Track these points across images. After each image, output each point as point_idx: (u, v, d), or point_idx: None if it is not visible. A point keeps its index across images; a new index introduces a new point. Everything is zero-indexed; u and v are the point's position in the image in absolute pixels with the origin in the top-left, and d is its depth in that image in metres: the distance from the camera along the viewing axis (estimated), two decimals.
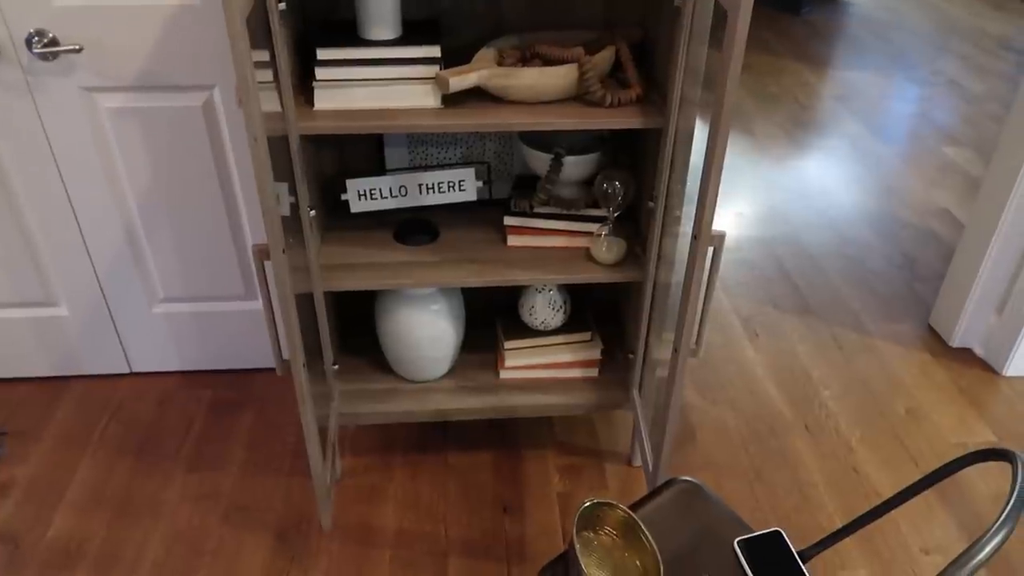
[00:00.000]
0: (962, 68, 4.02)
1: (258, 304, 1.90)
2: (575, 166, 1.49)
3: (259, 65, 1.22)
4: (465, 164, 1.64)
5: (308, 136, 1.47)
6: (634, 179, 1.51)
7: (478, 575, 1.52)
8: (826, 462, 1.78)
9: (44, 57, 1.51)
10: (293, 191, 1.37)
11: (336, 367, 1.64)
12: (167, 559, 1.55)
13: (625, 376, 1.71)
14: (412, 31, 1.38)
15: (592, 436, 1.83)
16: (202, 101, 1.61)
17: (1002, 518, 0.65)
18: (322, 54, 1.32)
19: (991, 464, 1.78)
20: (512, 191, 1.62)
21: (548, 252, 1.55)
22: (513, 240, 1.57)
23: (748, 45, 4.22)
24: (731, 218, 2.69)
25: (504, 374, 1.70)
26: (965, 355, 2.10)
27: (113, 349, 1.94)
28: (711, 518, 1.14)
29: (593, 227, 1.54)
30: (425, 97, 1.35)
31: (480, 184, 1.60)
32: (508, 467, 1.75)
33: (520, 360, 1.69)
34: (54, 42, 1.50)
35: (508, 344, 1.67)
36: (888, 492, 1.71)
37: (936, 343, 2.14)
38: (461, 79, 1.31)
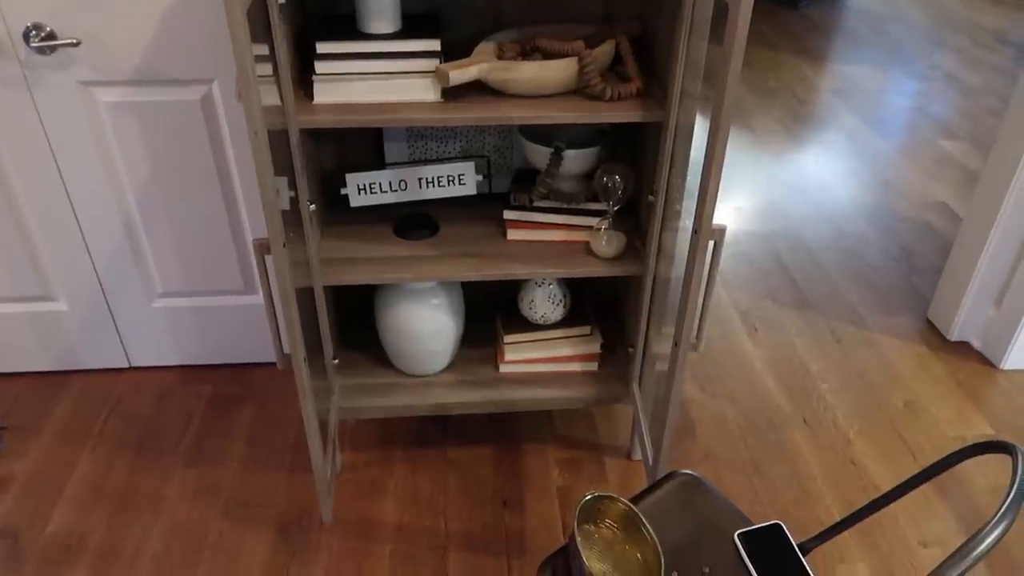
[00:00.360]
0: (959, 62, 4.02)
1: (257, 298, 1.90)
2: (575, 160, 1.49)
3: (259, 59, 1.22)
4: (465, 158, 1.63)
5: (308, 130, 1.47)
6: (634, 173, 1.51)
7: (478, 569, 1.53)
8: (824, 455, 1.78)
9: (42, 51, 1.51)
10: (293, 185, 1.37)
11: (336, 361, 1.64)
12: (167, 554, 1.55)
13: (625, 370, 1.71)
14: (412, 25, 1.38)
15: (592, 430, 1.83)
16: (201, 95, 1.60)
17: (1002, 510, 0.66)
18: (322, 48, 1.32)
19: (989, 457, 1.79)
20: (512, 185, 1.62)
21: (548, 246, 1.55)
22: (513, 234, 1.57)
23: (747, 39, 4.22)
24: (730, 212, 2.69)
25: (504, 368, 1.71)
26: (963, 348, 2.10)
27: (112, 344, 1.94)
28: (711, 511, 1.15)
29: (593, 221, 1.54)
30: (425, 91, 1.35)
31: (480, 178, 1.59)
32: (508, 461, 1.75)
33: (520, 354, 1.69)
34: (52, 36, 1.50)
35: (508, 338, 1.68)
36: (886, 485, 1.71)
37: (934, 336, 2.15)
38: (461, 72, 1.30)
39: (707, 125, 3.07)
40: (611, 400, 1.67)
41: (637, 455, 1.75)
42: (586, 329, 1.70)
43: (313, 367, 1.45)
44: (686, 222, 2.38)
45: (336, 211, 1.64)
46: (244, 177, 1.72)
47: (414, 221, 1.60)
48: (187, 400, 1.91)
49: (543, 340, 1.69)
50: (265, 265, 1.22)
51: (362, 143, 1.64)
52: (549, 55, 1.39)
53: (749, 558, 1.06)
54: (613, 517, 1.09)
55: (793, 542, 1.08)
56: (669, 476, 1.20)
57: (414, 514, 1.63)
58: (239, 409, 1.88)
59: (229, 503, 1.65)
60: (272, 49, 1.23)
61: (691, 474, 1.20)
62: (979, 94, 3.65)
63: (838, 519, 1.62)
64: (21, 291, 1.83)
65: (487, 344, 1.77)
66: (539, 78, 1.34)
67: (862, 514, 1.03)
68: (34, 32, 1.49)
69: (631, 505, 1.08)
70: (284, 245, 1.11)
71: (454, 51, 1.40)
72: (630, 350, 1.66)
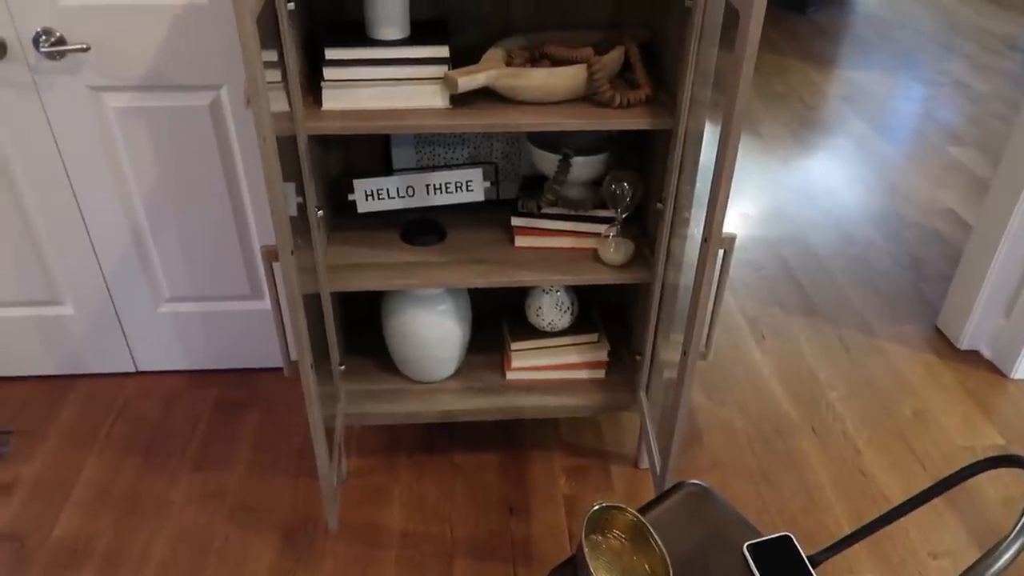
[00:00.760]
0: (968, 68, 4.01)
1: (264, 304, 1.89)
2: (583, 167, 1.49)
3: (267, 65, 1.22)
4: (472, 164, 1.63)
5: (315, 136, 1.47)
6: (642, 180, 1.50)
7: None
8: (833, 464, 1.77)
9: (51, 56, 1.51)
10: (301, 191, 1.37)
11: (343, 368, 1.64)
12: (173, 559, 1.55)
13: (632, 378, 1.70)
14: (420, 31, 1.38)
15: (598, 437, 1.83)
16: (209, 101, 1.60)
17: (1019, 527, 0.65)
18: (330, 54, 1.32)
19: (1001, 469, 1.77)
20: (519, 191, 1.62)
21: (555, 253, 1.55)
22: (520, 241, 1.56)
23: None
24: (737, 218, 2.68)
25: (511, 375, 1.70)
26: (973, 357, 2.09)
27: (119, 348, 1.94)
28: (720, 522, 1.14)
29: (601, 228, 1.53)
30: (433, 97, 1.35)
31: (487, 184, 1.59)
32: (514, 468, 1.75)
33: (527, 361, 1.68)
34: (61, 41, 1.50)
35: (515, 345, 1.67)
36: (896, 495, 1.70)
37: (943, 345, 2.13)
38: (470, 79, 1.30)
39: (715, 131, 3.06)
40: (618, 408, 1.66)
41: (644, 463, 1.74)
42: (593, 336, 1.70)
43: (319, 373, 1.44)
44: (695, 229, 2.37)
45: (343, 216, 1.63)
46: (252, 183, 1.72)
47: (421, 227, 1.59)
48: (194, 405, 1.90)
49: (550, 347, 1.69)
50: (273, 272, 1.22)
51: (369, 149, 1.64)
52: (558, 62, 1.39)
53: (758, 570, 1.05)
54: (621, 528, 1.08)
55: (803, 554, 1.07)
56: (677, 486, 1.19)
57: (420, 521, 1.63)
58: (245, 414, 1.88)
59: (235, 508, 1.65)
60: (281, 55, 1.23)
61: (699, 484, 1.19)
62: (988, 100, 3.63)
63: (847, 529, 1.61)
64: (28, 295, 1.84)
65: (494, 351, 1.77)
66: (548, 85, 1.34)
67: (873, 527, 1.02)
68: (44, 37, 1.49)
69: (639, 516, 1.07)
70: (292, 252, 1.11)
71: (462, 57, 1.40)
72: (637, 358, 1.65)
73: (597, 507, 1.05)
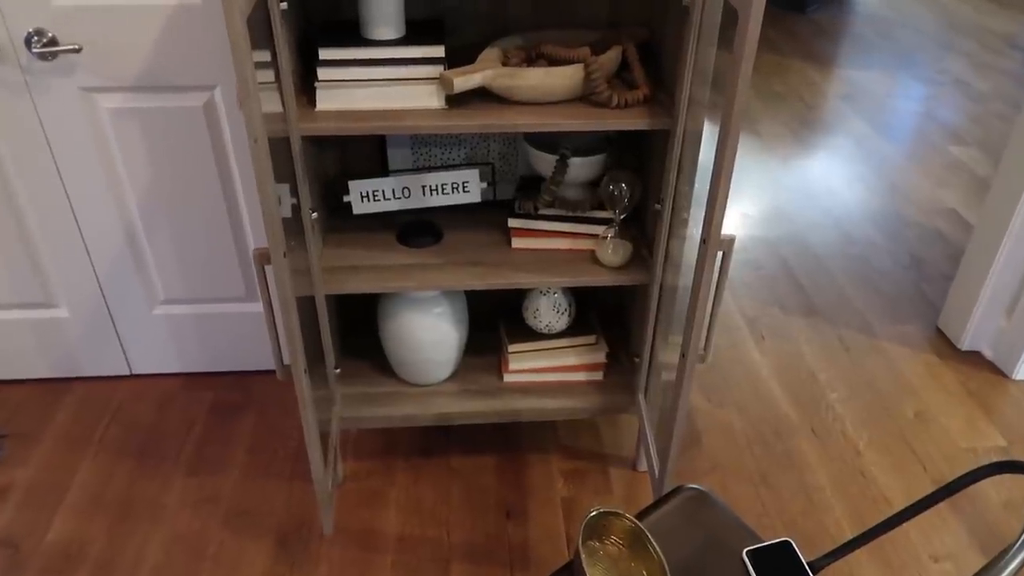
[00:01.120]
0: (968, 67, 3.99)
1: (259, 306, 1.88)
2: (581, 167, 1.47)
3: (260, 65, 1.20)
4: (469, 165, 1.62)
5: (310, 137, 1.46)
6: (641, 181, 1.48)
7: None
8: (833, 466, 1.76)
9: (43, 57, 1.50)
10: (295, 192, 1.35)
11: (338, 371, 1.62)
12: (167, 564, 1.53)
13: (631, 380, 1.69)
14: (416, 31, 1.36)
15: (596, 440, 1.81)
16: (203, 101, 1.59)
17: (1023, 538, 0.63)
18: (324, 54, 1.30)
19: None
20: (516, 192, 1.60)
21: (553, 254, 1.53)
22: (517, 242, 1.55)
23: None
24: (737, 218, 2.67)
25: (508, 377, 1.68)
26: (974, 358, 2.07)
27: (113, 351, 1.93)
28: (719, 527, 1.12)
29: (599, 229, 1.52)
30: (429, 98, 1.33)
31: (484, 185, 1.58)
32: (512, 471, 1.73)
33: (524, 363, 1.67)
34: (53, 42, 1.48)
35: (512, 347, 1.65)
36: (897, 497, 1.69)
37: (944, 345, 2.12)
38: (465, 79, 1.29)
39: (714, 131, 3.05)
40: (616, 410, 1.65)
41: (642, 466, 1.73)
42: (591, 338, 1.68)
43: (314, 377, 1.43)
44: (693, 230, 2.36)
45: (339, 218, 1.62)
46: (246, 184, 1.70)
47: (418, 228, 1.58)
48: (188, 408, 1.89)
49: (548, 349, 1.67)
50: (265, 275, 1.21)
51: (365, 149, 1.63)
52: (555, 62, 1.38)
53: None
54: (619, 533, 1.07)
55: (803, 560, 1.05)
56: (675, 491, 1.17)
57: (416, 524, 1.61)
58: (240, 417, 1.86)
59: (229, 513, 1.63)
60: (274, 55, 1.22)
61: (698, 488, 1.17)
62: (988, 99, 3.62)
63: (848, 531, 1.59)
64: (22, 298, 1.82)
65: (491, 353, 1.75)
66: (545, 85, 1.32)
67: (875, 533, 1.00)
68: (36, 38, 1.47)
69: (637, 522, 1.05)
70: (284, 255, 1.09)
71: (459, 57, 1.38)
72: (636, 360, 1.64)
73: (595, 513, 1.03)
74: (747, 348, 2.11)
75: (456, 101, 1.35)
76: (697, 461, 1.77)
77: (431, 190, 1.56)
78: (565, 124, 1.31)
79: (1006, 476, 1.74)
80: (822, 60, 4.05)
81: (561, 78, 1.32)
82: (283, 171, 1.30)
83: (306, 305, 1.42)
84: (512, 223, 1.54)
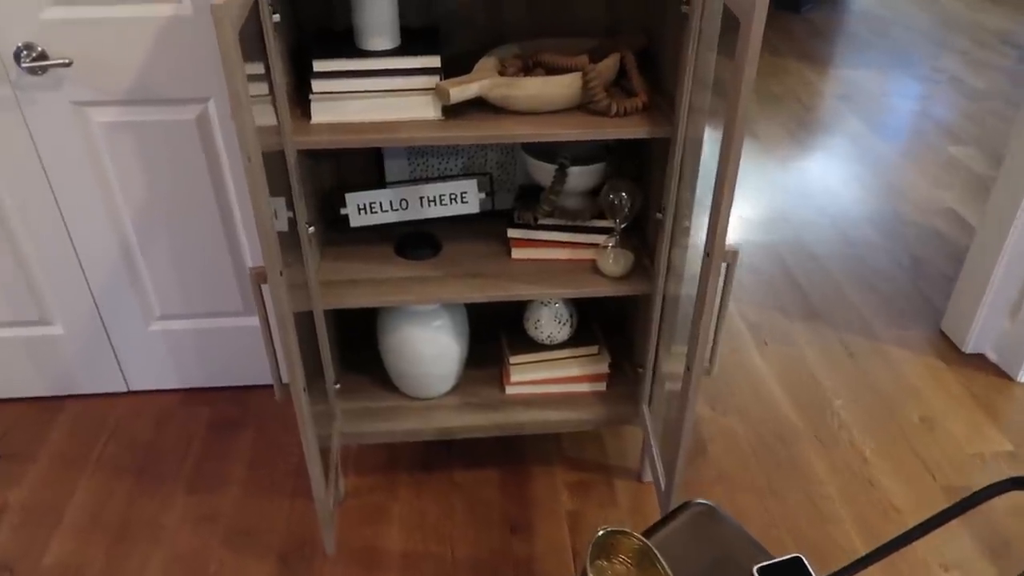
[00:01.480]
0: (963, 64, 3.98)
1: (257, 319, 1.86)
2: (580, 177, 1.45)
3: (253, 78, 1.18)
4: (467, 175, 1.59)
5: (305, 150, 1.43)
6: (641, 189, 1.46)
7: None
8: (840, 474, 1.74)
9: (33, 71, 1.47)
10: (291, 206, 1.33)
11: (338, 386, 1.60)
12: None
13: (634, 390, 1.67)
14: (411, 40, 1.34)
15: (601, 451, 1.79)
16: (196, 114, 1.57)
17: None
18: (319, 66, 1.28)
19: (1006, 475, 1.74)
20: (515, 202, 1.58)
21: (553, 265, 1.51)
22: (517, 253, 1.53)
23: None
24: (735, 221, 2.65)
25: (510, 389, 1.66)
26: (978, 361, 2.06)
27: (110, 368, 1.90)
28: (728, 543, 1.10)
29: (599, 238, 1.50)
30: (425, 108, 1.31)
31: (482, 196, 1.56)
32: (515, 484, 1.71)
33: (526, 375, 1.65)
34: (43, 56, 1.46)
35: (513, 359, 1.63)
36: (905, 504, 1.67)
37: (948, 348, 2.10)
38: (462, 90, 1.27)
39: (714, 135, 3.02)
40: (620, 422, 1.63)
41: (648, 477, 1.71)
42: (594, 348, 1.66)
43: (313, 393, 1.41)
44: (696, 238, 2.34)
45: (336, 230, 1.60)
46: (242, 197, 1.68)
47: (416, 240, 1.56)
48: (187, 424, 1.86)
49: (550, 360, 1.65)
50: (261, 293, 1.18)
51: (362, 160, 1.61)
52: (552, 70, 1.36)
53: None
54: (627, 552, 1.05)
55: None
56: (683, 507, 1.15)
57: (420, 540, 1.59)
58: (240, 433, 1.84)
59: (229, 531, 1.61)
60: (267, 68, 1.20)
61: (706, 504, 1.15)
62: (984, 97, 3.61)
63: (857, 542, 1.57)
64: (16, 315, 1.80)
65: (492, 365, 1.73)
66: (542, 94, 1.30)
67: (888, 549, 0.98)
68: (25, 52, 1.45)
69: (645, 540, 1.03)
70: (281, 273, 1.07)
71: (455, 66, 1.36)
72: (639, 370, 1.62)
73: (602, 532, 1.01)
74: (749, 354, 2.09)
75: (453, 111, 1.32)
76: (702, 471, 1.74)
77: (429, 201, 1.54)
78: (564, 134, 1.29)
79: None
80: (818, 60, 4.04)
81: (559, 87, 1.30)
82: (278, 185, 1.28)
83: (304, 320, 1.40)
84: (511, 233, 1.52)
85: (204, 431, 1.84)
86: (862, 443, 1.82)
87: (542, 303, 1.61)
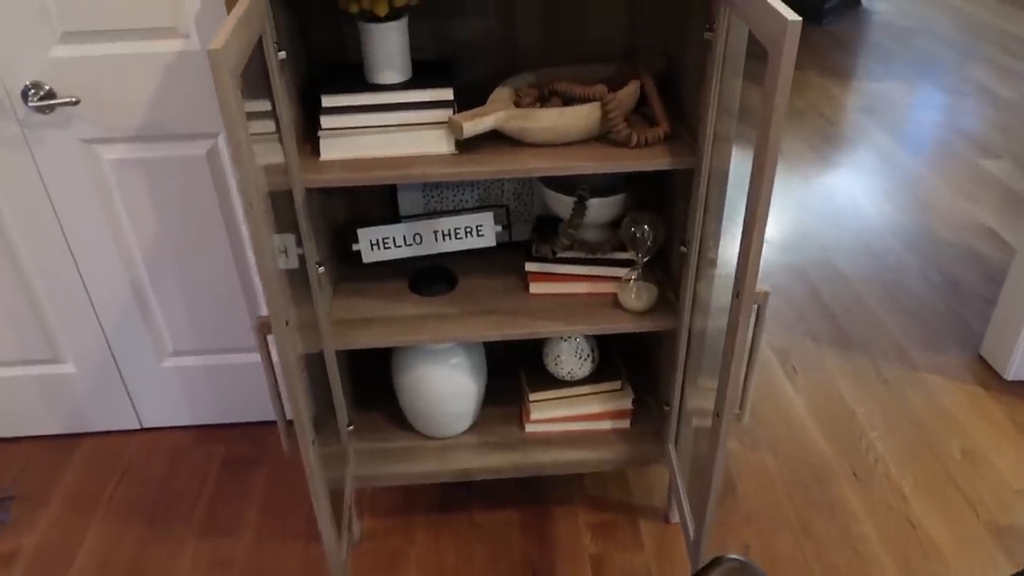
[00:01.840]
0: (991, 73, 3.88)
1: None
2: (600, 208, 1.40)
3: (259, 116, 1.14)
4: (483, 208, 1.54)
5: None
6: (664, 220, 1.40)
7: None
8: (878, 512, 1.65)
9: (41, 110, 1.45)
10: (300, 243, 1.28)
11: (351, 427, 1.55)
12: None
13: (659, 427, 1.60)
14: (423, 72, 1.30)
15: (625, 489, 1.72)
16: (206, 149, 1.53)
17: None
18: (327, 101, 1.24)
19: None
20: (532, 233, 1.52)
21: (573, 299, 1.45)
22: (535, 287, 1.47)
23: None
24: None
25: (530, 427, 1.60)
26: (1021, 389, 1.96)
27: (123, 405, 1.87)
28: None
29: (621, 271, 1.44)
30: (438, 143, 1.27)
31: (499, 229, 1.50)
32: (536, 526, 1.64)
33: (546, 412, 1.59)
34: (51, 95, 1.44)
35: (533, 396, 1.57)
36: (948, 545, 1.58)
37: (988, 375, 2.01)
38: (476, 123, 1.22)
39: (738, 155, 2.96)
40: (645, 461, 1.56)
41: (675, 518, 1.63)
42: (616, 384, 1.60)
43: (325, 434, 1.36)
44: (722, 266, 2.27)
45: (349, 266, 1.55)
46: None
47: (431, 275, 1.51)
48: (200, 463, 1.82)
49: (571, 397, 1.59)
50: (267, 344, 1.14)
51: (375, 194, 1.56)
52: (569, 100, 1.31)
53: None
54: None
55: None
56: (714, 562, 1.08)
57: None
58: (254, 471, 1.79)
59: None
60: (273, 106, 1.16)
61: (739, 560, 1.08)
62: (1014, 108, 3.50)
63: None
64: (28, 354, 1.77)
65: (511, 402, 1.67)
66: (559, 126, 1.25)
67: None
68: (32, 91, 1.43)
69: None
70: (287, 323, 1.02)
71: (469, 96, 1.31)
72: (665, 408, 1.55)
73: None
74: (779, 383, 2.01)
75: (467, 145, 1.28)
76: (732, 511, 1.67)
77: (444, 235, 1.49)
78: (582, 166, 1.24)
79: None
80: (841, 72, 3.96)
81: (577, 118, 1.25)
82: (287, 222, 1.24)
83: (315, 360, 1.35)
84: (529, 267, 1.47)
85: (218, 469, 1.80)
86: (900, 478, 1.73)
87: (562, 338, 1.55)
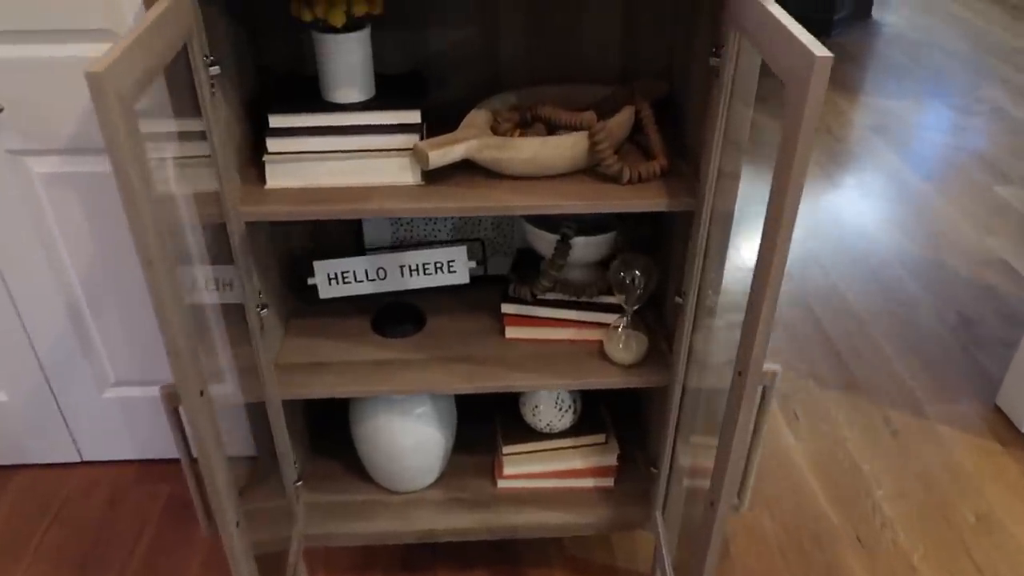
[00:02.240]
0: (1004, 93, 3.72)
1: (221, 387, 1.65)
2: (586, 248, 1.24)
3: (191, 136, 0.98)
4: (456, 241, 1.38)
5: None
6: (658, 263, 1.24)
7: None
8: None
9: None
10: (240, 281, 1.12)
11: (299, 484, 1.38)
12: None
13: (646, 488, 1.44)
14: (389, 90, 1.13)
15: (607, 551, 1.56)
16: None
17: None
18: (275, 121, 1.08)
19: None
20: (511, 270, 1.36)
21: (554, 347, 1.30)
22: (512, 332, 1.31)
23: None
24: None
25: (503, 483, 1.44)
26: None
27: (61, 437, 1.70)
28: None
29: (608, 317, 1.28)
30: (402, 172, 1.10)
31: (473, 264, 1.34)
32: None
33: (521, 467, 1.43)
34: None
35: (507, 448, 1.41)
36: None
37: (1005, 428, 1.85)
38: (443, 153, 1.06)
39: (744, 185, 2.78)
40: (629, 526, 1.40)
41: None
42: (600, 437, 1.44)
43: (270, 486, 1.20)
44: (722, 319, 2.11)
45: (304, 300, 1.39)
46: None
47: (396, 313, 1.35)
48: (142, 503, 1.66)
49: (550, 450, 1.43)
50: (179, 417, 0.97)
51: (338, 222, 1.40)
52: (554, 126, 1.14)
53: None
54: None
55: None
56: None
57: None
58: (197, 517, 1.62)
59: None
60: (208, 127, 0.99)
61: None
62: None
63: None
64: None
65: (484, 451, 1.51)
66: (541, 157, 1.09)
67: None
68: None
69: None
70: (202, 394, 0.86)
71: (442, 116, 1.15)
72: (653, 471, 1.39)
73: None
74: (779, 431, 1.85)
75: (435, 176, 1.11)
76: None
77: (411, 271, 1.33)
78: (567, 205, 1.08)
79: None
80: (849, 87, 3.80)
81: (561, 149, 1.09)
82: (226, 254, 1.08)
83: (257, 409, 1.19)
84: (506, 309, 1.31)
85: (160, 513, 1.64)
86: (909, 546, 1.58)
87: None
